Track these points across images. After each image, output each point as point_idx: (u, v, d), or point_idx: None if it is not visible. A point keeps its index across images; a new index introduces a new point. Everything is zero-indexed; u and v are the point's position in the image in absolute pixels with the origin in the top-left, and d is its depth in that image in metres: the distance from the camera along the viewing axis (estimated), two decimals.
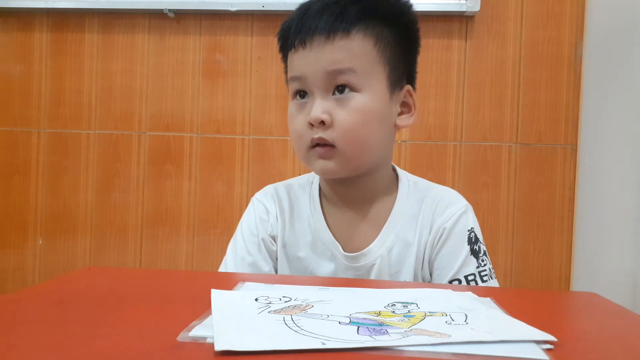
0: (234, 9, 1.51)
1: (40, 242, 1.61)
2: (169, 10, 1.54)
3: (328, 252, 0.73)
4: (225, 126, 1.57)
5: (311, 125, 0.66)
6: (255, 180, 1.55)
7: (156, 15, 1.57)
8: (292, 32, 0.69)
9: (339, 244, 0.73)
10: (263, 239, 0.76)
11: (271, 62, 1.55)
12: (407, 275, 0.72)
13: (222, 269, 0.78)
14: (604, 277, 1.30)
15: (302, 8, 0.70)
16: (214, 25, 1.57)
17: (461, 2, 1.45)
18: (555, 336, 0.38)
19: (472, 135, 1.51)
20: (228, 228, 1.56)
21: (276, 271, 0.77)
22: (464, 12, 1.46)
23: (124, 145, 1.59)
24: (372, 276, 0.72)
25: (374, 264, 0.72)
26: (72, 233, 1.60)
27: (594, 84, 1.42)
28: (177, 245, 1.57)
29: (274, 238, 0.77)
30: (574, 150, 1.49)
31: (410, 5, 0.72)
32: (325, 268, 0.73)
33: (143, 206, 1.59)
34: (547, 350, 0.36)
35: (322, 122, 0.66)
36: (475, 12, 1.46)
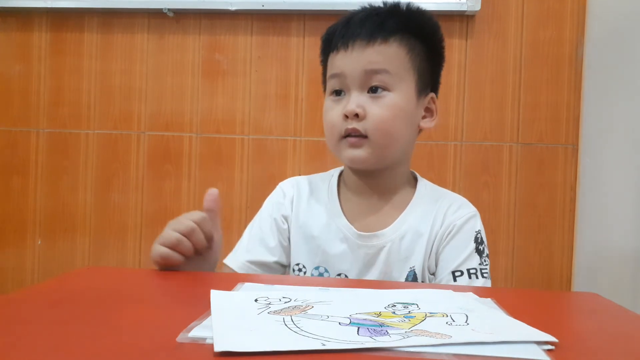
0: (233, 8, 1.51)
1: (39, 242, 1.61)
2: (169, 9, 1.53)
3: (341, 234, 0.80)
4: (225, 126, 1.57)
5: (346, 117, 0.74)
6: (255, 180, 1.55)
7: (155, 15, 1.57)
8: (336, 36, 0.78)
9: (352, 227, 0.79)
10: (275, 219, 0.84)
11: (271, 61, 1.55)
12: (415, 262, 0.77)
13: (238, 243, 0.86)
14: (606, 278, 1.30)
15: (347, 17, 0.79)
16: (213, 25, 1.56)
17: (462, 1, 1.45)
18: (556, 337, 0.38)
19: (473, 135, 1.51)
20: (228, 228, 1.55)
21: (286, 251, 0.83)
22: (465, 11, 1.46)
23: (123, 145, 1.59)
24: (382, 256, 0.78)
25: (384, 246, 0.78)
26: (71, 233, 1.60)
27: (595, 84, 1.42)
28: None
29: (286, 218, 0.84)
30: (575, 150, 1.49)
31: (439, 27, 0.82)
32: (337, 248, 0.79)
33: (142, 206, 1.59)
34: (548, 350, 0.36)
35: (356, 115, 0.73)
36: (476, 11, 1.46)
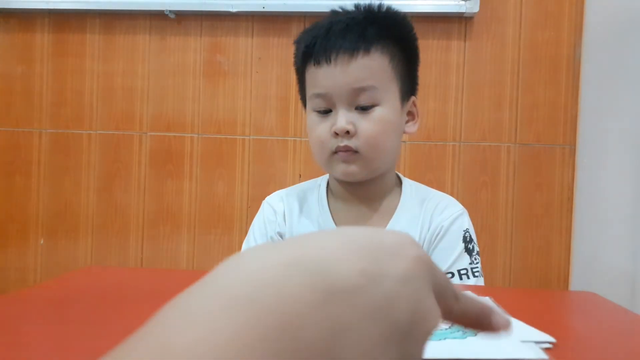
0: (234, 10, 1.51)
1: (42, 242, 1.62)
2: (170, 11, 1.54)
3: None
4: (226, 127, 1.57)
5: (336, 134, 0.72)
6: (256, 181, 1.55)
7: (157, 16, 1.57)
8: (316, 49, 0.74)
9: None
10: (272, 238, 0.82)
11: (271, 63, 1.56)
12: None
13: None
14: (603, 277, 1.30)
15: (323, 27, 0.75)
16: (214, 26, 1.57)
17: (460, 3, 1.45)
18: (554, 336, 0.38)
19: (471, 136, 1.51)
20: (228, 228, 1.56)
21: None
22: (463, 13, 1.46)
23: (125, 145, 1.60)
24: None
25: None
26: (73, 233, 1.61)
27: (593, 85, 1.42)
28: (177, 245, 1.58)
29: (281, 235, 0.82)
30: (573, 150, 1.49)
31: (412, 25, 0.79)
32: None
33: (144, 206, 1.59)
34: (547, 349, 0.37)
35: (347, 132, 0.72)
36: (474, 13, 1.46)
